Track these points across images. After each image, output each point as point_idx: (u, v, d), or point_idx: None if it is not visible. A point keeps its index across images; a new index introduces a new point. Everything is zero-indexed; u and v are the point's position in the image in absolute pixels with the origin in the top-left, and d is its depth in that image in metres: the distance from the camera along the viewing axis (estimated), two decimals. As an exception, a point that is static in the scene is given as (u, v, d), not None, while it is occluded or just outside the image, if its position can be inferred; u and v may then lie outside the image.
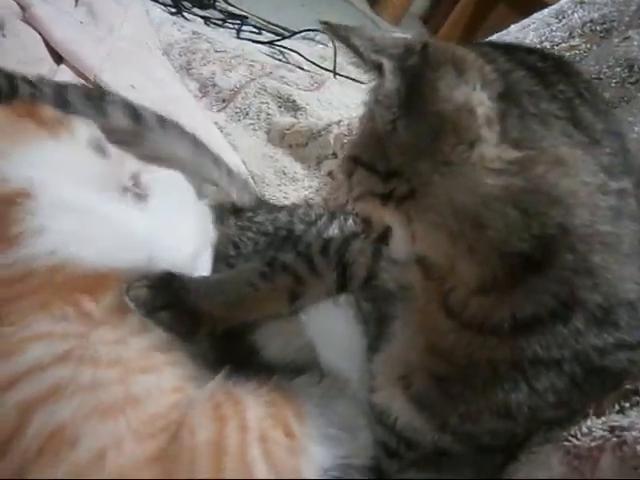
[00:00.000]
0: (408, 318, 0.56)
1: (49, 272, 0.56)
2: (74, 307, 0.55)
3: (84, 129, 0.70)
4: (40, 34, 1.02)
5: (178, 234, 0.69)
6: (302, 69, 1.78)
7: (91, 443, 0.48)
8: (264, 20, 2.33)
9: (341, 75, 1.90)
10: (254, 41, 1.94)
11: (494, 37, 1.44)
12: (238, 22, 2.12)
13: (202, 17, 1.97)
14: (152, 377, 0.54)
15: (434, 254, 0.49)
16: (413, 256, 0.53)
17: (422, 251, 0.50)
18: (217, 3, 2.16)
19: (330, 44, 2.17)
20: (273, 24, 2.36)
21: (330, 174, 1.17)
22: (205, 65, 1.38)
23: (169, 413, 0.53)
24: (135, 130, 0.84)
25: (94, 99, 0.83)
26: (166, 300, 0.60)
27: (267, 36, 2.22)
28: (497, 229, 0.42)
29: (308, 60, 1.90)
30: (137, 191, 0.71)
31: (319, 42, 2.23)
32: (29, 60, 0.96)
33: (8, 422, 0.48)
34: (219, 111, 1.32)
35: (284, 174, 1.18)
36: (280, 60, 1.89)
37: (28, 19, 1.02)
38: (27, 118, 0.65)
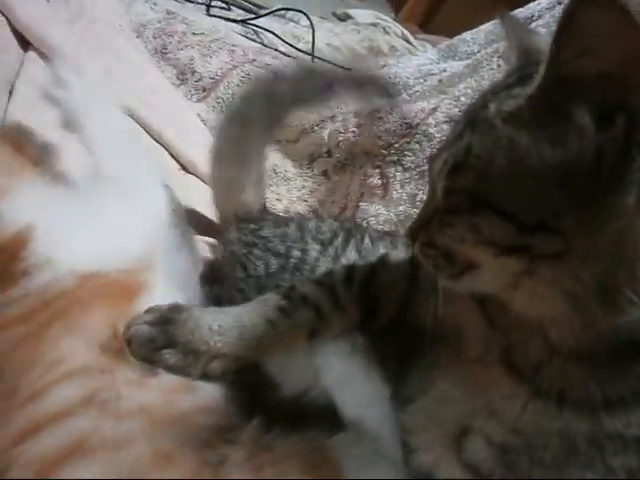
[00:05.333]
0: (453, 367, 0.51)
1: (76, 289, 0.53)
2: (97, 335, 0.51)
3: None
4: (3, 15, 0.89)
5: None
6: (282, 53, 1.69)
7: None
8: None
9: (319, 59, 1.83)
10: (226, 19, 1.83)
11: (488, 25, 1.40)
12: (207, -4, 2.00)
13: (169, -9, 1.83)
14: (179, 429, 0.48)
15: (531, 309, 0.43)
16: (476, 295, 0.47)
17: (519, 304, 0.43)
18: (183, -25, 2.03)
19: (303, 22, 2.09)
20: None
21: (325, 174, 1.10)
22: (182, 49, 1.27)
23: (201, 471, 0.47)
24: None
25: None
26: (170, 337, 0.53)
27: (237, 12, 2.11)
28: (631, 313, 0.38)
29: (285, 42, 1.81)
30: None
31: (290, 20, 2.14)
32: (-7, 47, 0.85)
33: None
34: (199, 101, 1.22)
35: (275, 173, 1.10)
36: (254, 41, 1.80)
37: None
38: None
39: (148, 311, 0.54)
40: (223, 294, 0.68)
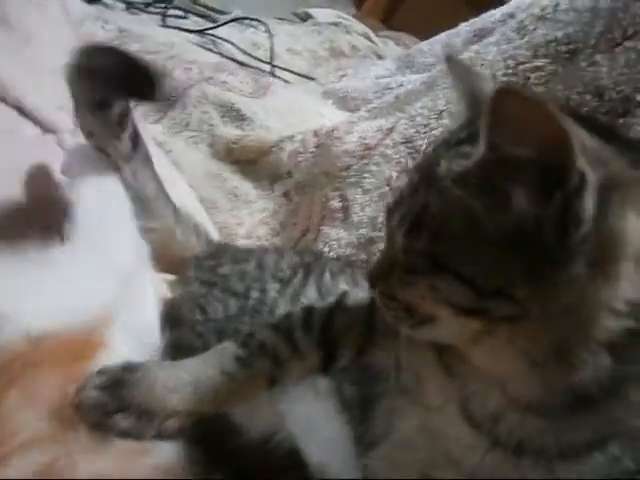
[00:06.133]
0: (413, 413, 0.51)
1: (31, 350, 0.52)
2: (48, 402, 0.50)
3: None
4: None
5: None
6: (240, 64, 1.68)
7: None
8: (191, 0, 2.18)
9: (279, 67, 1.82)
10: (183, 29, 1.80)
11: (443, 36, 1.40)
12: (162, 5, 1.96)
13: (124, 2, 1.79)
14: None
15: (489, 364, 0.44)
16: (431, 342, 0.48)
17: (478, 358, 0.45)
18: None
19: (262, 27, 2.07)
20: (201, 5, 2.21)
21: (286, 195, 1.09)
22: (136, 69, 1.24)
23: None
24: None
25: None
26: (122, 400, 0.51)
27: (194, 20, 2.08)
28: (585, 370, 0.39)
29: (243, 52, 1.80)
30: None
31: (249, 25, 2.11)
32: None
33: None
34: (156, 122, 1.20)
35: (235, 196, 1.09)
36: (212, 51, 1.77)
37: None
38: None
39: (99, 373, 0.53)
40: (182, 338, 0.67)
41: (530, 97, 0.35)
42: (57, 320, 0.55)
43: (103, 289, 0.60)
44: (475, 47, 1.02)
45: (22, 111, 0.89)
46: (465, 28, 1.33)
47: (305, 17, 2.62)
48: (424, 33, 2.72)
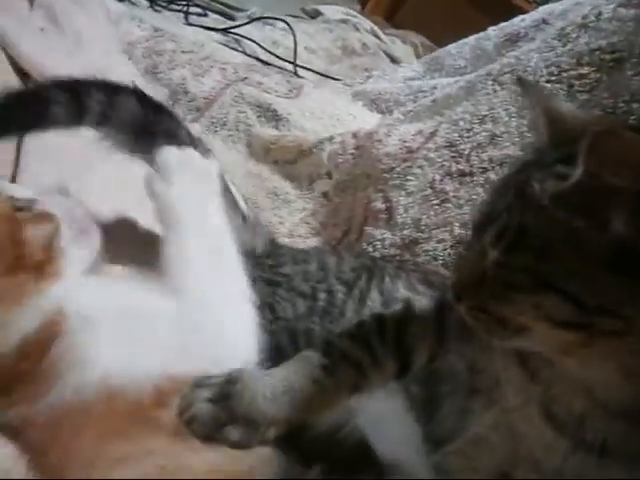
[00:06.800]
0: (488, 413, 0.53)
1: (104, 400, 0.50)
2: (146, 423, 0.50)
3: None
4: (4, 50, 0.87)
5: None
6: (264, 62, 1.69)
7: None
8: (208, -1, 2.19)
9: (302, 67, 1.83)
10: (207, 28, 1.81)
11: (472, 39, 1.42)
12: (184, 3, 1.97)
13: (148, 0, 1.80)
14: None
15: (581, 373, 0.45)
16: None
17: (569, 368, 0.46)
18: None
19: (279, 25, 2.09)
20: (218, 2, 2.22)
21: (326, 195, 1.11)
22: (173, 69, 1.26)
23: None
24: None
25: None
26: (231, 413, 0.53)
27: (213, 17, 2.09)
28: None
29: (268, 51, 1.81)
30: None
31: (266, 23, 2.13)
32: (-2, 85, 0.82)
33: None
34: (193, 121, 1.22)
35: (276, 195, 1.11)
36: (236, 49, 1.79)
37: (-12, 33, 0.87)
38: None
39: (203, 385, 0.54)
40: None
41: (627, 138, 0.37)
42: (131, 377, 0.53)
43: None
44: (514, 53, 1.04)
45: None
46: (494, 32, 1.35)
47: (314, 14, 2.63)
48: (426, 31, 2.75)
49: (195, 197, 0.62)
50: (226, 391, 0.54)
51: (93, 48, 1.00)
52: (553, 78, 0.93)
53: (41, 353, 0.51)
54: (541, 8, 1.32)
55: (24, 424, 0.50)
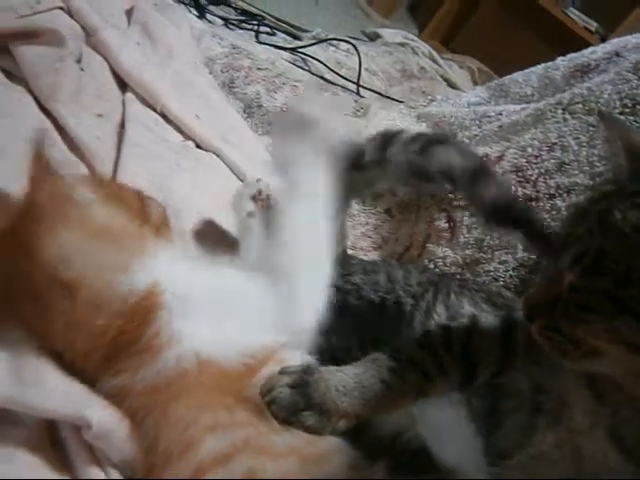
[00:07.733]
0: (552, 431, 0.55)
1: (197, 373, 0.55)
2: (232, 398, 0.55)
3: None
4: (106, 60, 0.95)
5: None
6: (328, 82, 1.75)
7: None
8: (276, 18, 2.28)
9: (364, 87, 1.89)
10: (277, 47, 1.89)
11: (540, 68, 1.44)
12: (255, 22, 2.06)
13: (222, 18, 1.90)
14: (327, 468, 0.53)
15: None
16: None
17: (637, 388, 0.48)
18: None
19: (341, 46, 2.16)
20: (285, 22, 2.31)
21: (388, 212, 1.15)
22: (249, 84, 1.33)
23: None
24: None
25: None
26: (308, 399, 0.57)
27: (280, 37, 2.17)
28: None
29: (333, 71, 1.87)
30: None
31: (330, 44, 2.20)
32: (102, 92, 0.90)
33: None
34: (265, 134, 1.28)
35: (341, 209, 1.15)
36: (302, 68, 1.86)
37: (94, 44, 0.95)
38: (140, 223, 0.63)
39: (284, 373, 0.58)
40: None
41: None
42: (225, 350, 0.58)
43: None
44: (586, 84, 1.06)
45: (167, 119, 0.97)
46: (563, 62, 1.36)
47: (374, 37, 2.70)
48: (482, 56, 2.77)
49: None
50: (305, 379, 0.58)
51: (181, 60, 1.08)
52: (627, 110, 0.94)
53: (143, 323, 0.57)
54: (614, 41, 1.32)
55: (126, 391, 0.55)
